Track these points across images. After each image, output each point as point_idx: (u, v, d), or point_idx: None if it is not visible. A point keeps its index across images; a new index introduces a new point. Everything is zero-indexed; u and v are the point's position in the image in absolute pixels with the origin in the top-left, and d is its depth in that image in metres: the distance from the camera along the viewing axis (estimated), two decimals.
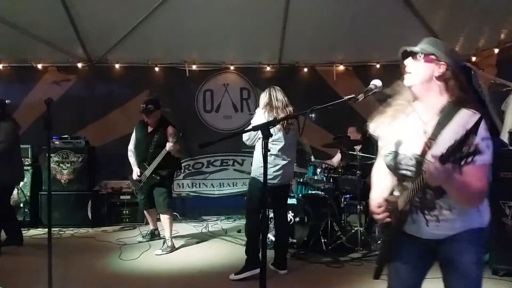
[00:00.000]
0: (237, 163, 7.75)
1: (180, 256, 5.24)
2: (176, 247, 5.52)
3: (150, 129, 5.51)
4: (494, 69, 6.62)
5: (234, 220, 7.29)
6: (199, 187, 7.75)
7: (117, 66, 7.57)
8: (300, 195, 5.71)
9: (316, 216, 5.41)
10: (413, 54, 2.03)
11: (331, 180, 5.54)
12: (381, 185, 2.21)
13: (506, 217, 4.18)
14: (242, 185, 7.65)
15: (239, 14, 6.35)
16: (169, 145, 5.21)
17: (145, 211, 5.92)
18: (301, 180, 6.08)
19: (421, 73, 2.01)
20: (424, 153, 1.92)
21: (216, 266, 4.84)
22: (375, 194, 2.18)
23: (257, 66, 7.82)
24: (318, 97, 7.35)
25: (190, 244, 5.82)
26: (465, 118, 1.88)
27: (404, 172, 2.02)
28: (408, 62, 2.04)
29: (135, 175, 5.51)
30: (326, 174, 5.56)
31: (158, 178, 5.37)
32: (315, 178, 5.63)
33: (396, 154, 2.05)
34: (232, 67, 7.82)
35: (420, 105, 2.07)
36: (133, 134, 5.68)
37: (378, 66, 7.63)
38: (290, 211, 5.40)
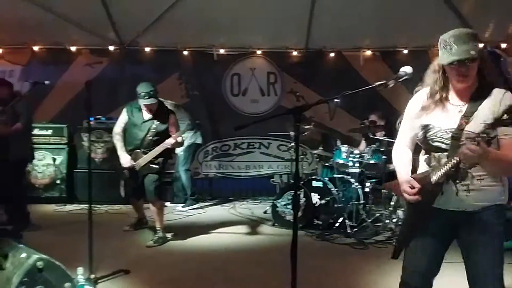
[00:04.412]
0: (263, 146, 7.87)
1: (210, 235, 5.45)
2: (211, 225, 5.72)
3: (147, 115, 4.96)
4: None
5: (260, 202, 7.46)
6: (226, 168, 7.91)
7: (147, 49, 7.74)
8: (326, 178, 5.84)
9: (341, 199, 5.55)
10: (470, 59, 2.04)
11: (356, 164, 5.64)
12: (406, 164, 2.34)
13: None
14: (267, 168, 7.81)
15: None
16: (170, 141, 4.79)
17: (131, 202, 5.55)
18: (326, 164, 6.22)
19: (474, 72, 2.10)
20: (460, 127, 2.07)
21: (245, 245, 5.06)
22: (403, 175, 2.29)
23: (284, 50, 7.87)
24: (344, 82, 7.36)
25: (218, 224, 6.01)
26: (499, 95, 2.07)
27: (438, 144, 2.16)
28: (466, 66, 2.05)
29: (126, 162, 4.94)
30: (351, 159, 5.66)
31: (157, 166, 4.92)
32: (341, 162, 5.74)
33: (430, 126, 2.18)
34: (259, 52, 7.90)
35: (452, 92, 2.21)
36: (122, 117, 5.08)
37: (405, 51, 7.58)
38: (316, 194, 5.55)
